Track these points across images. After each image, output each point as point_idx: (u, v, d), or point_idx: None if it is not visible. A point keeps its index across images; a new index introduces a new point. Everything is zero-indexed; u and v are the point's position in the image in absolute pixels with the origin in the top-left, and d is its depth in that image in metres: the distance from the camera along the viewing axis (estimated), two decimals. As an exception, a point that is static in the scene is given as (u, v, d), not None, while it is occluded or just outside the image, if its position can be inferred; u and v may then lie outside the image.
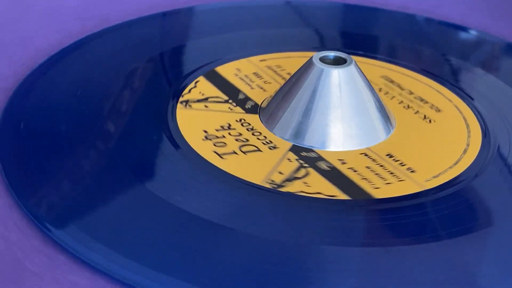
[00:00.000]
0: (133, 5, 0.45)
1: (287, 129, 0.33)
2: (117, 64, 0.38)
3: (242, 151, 0.32)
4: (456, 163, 0.32)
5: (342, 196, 0.30)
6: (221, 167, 0.31)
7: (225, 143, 0.32)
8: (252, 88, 0.36)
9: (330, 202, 0.30)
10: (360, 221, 0.29)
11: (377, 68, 0.39)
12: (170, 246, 0.27)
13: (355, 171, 0.31)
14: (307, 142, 0.33)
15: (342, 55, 0.34)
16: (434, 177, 0.31)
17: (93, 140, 0.32)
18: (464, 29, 0.44)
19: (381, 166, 0.32)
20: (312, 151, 0.32)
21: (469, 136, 0.34)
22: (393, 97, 0.36)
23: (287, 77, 0.35)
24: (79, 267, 0.26)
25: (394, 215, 0.29)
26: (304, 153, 0.32)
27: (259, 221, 0.29)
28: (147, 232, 0.28)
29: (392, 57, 0.40)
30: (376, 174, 0.31)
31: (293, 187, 0.30)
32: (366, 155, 0.32)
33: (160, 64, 0.39)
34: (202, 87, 0.36)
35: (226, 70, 0.38)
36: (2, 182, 0.30)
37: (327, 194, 0.30)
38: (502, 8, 0.48)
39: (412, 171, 0.31)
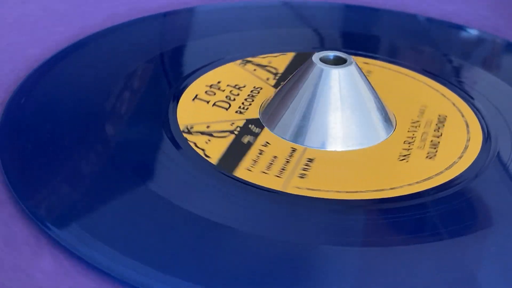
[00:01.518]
0: (133, 6, 0.45)
1: (287, 129, 0.33)
2: (118, 65, 0.38)
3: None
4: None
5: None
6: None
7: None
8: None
9: (329, 202, 0.30)
10: (360, 221, 0.29)
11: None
12: (171, 245, 0.27)
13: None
14: (307, 142, 0.33)
15: (342, 55, 0.34)
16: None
17: (94, 140, 0.32)
18: (464, 28, 0.44)
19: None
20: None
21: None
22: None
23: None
24: (81, 267, 0.26)
25: (393, 215, 0.29)
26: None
27: (259, 221, 0.29)
28: (148, 231, 0.28)
29: (392, 57, 0.40)
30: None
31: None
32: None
33: (161, 64, 0.39)
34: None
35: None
36: (3, 182, 0.30)
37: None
38: (502, 7, 0.48)
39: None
